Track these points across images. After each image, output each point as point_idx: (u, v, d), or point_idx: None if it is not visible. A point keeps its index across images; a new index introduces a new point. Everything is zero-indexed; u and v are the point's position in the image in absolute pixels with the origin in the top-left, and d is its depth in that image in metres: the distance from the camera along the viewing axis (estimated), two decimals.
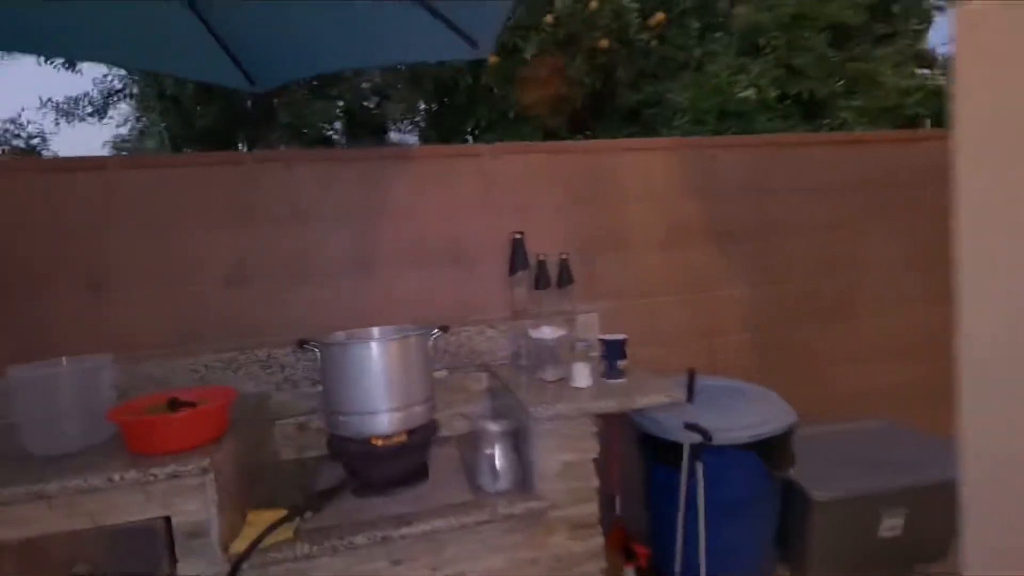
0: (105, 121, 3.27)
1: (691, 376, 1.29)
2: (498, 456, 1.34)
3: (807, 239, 2.12)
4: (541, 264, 1.79)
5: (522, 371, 1.70)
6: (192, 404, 1.29)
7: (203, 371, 1.63)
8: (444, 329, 1.46)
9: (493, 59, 3.81)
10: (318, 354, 1.36)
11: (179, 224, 1.62)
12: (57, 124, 3.19)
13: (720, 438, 1.43)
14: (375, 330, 1.57)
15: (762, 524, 1.63)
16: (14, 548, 1.06)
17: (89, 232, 1.57)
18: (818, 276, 2.13)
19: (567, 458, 1.33)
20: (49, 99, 3.18)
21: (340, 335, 1.51)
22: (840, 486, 1.69)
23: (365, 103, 4.26)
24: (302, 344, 1.37)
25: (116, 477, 1.09)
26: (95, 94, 3.25)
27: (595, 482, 1.35)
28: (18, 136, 3.16)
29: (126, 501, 1.11)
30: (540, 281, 1.79)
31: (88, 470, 1.11)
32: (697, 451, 1.38)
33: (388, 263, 1.76)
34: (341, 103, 3.96)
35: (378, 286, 1.76)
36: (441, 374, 1.74)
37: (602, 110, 4.41)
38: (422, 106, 4.30)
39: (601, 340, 1.50)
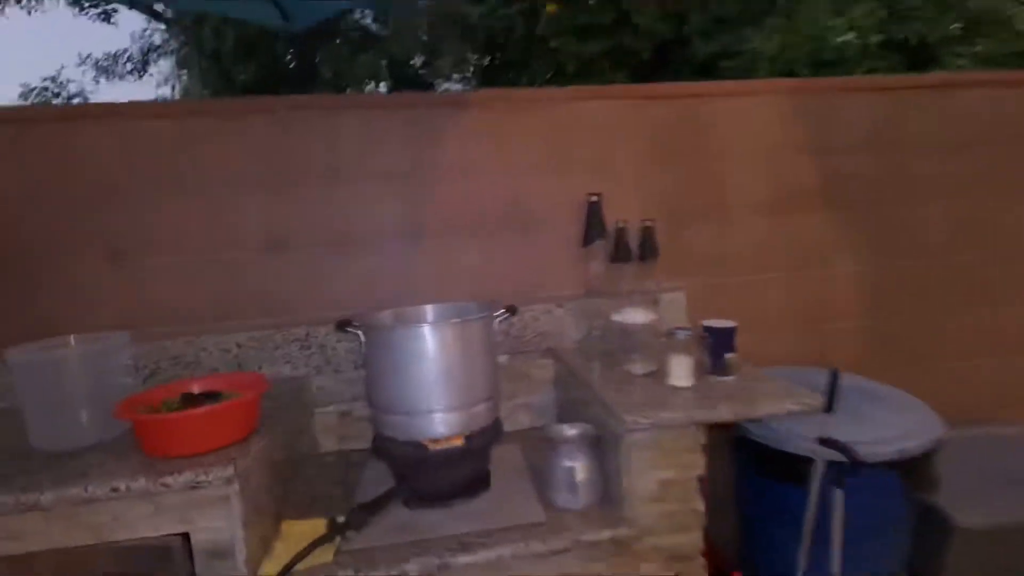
0: (145, 79, 3.11)
1: (833, 379, 1.00)
2: (578, 469, 1.09)
3: (944, 205, 1.73)
4: (620, 233, 1.50)
5: (597, 359, 1.44)
6: (217, 396, 1.09)
7: (235, 351, 1.43)
8: (511, 310, 1.20)
9: (551, 7, 3.44)
10: (361, 338, 1.12)
11: (206, 184, 1.41)
12: (96, 82, 3.06)
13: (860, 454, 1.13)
14: (428, 309, 1.33)
15: (893, 554, 1.33)
16: (3, 565, 0.89)
17: (107, 193, 1.38)
18: (955, 250, 1.75)
19: (665, 476, 1.06)
20: (88, 55, 3.04)
21: (387, 315, 1.28)
22: (988, 510, 1.36)
23: (411, 60, 3.98)
24: (343, 326, 1.14)
25: (122, 486, 0.89)
26: (134, 50, 3.09)
27: (699, 506, 1.08)
28: (58, 95, 3.04)
29: (135, 514, 0.92)
30: (619, 253, 1.50)
31: (92, 475, 0.92)
32: (835, 471, 1.09)
33: (441, 230, 1.51)
34: (386, 59, 3.70)
35: (430, 256, 1.51)
36: (501, 359, 1.49)
37: (671, 63, 3.99)
38: (472, 61, 3.99)
39: (706, 328, 1.21)
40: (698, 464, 1.07)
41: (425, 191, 1.49)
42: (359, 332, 1.12)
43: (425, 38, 3.48)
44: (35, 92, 3.08)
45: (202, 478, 0.91)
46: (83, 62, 3.01)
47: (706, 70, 3.61)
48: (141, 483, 0.90)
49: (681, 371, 1.16)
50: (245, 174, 1.42)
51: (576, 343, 1.56)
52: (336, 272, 1.48)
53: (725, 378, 1.19)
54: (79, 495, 0.89)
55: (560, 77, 3.38)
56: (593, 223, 1.49)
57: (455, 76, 3.76)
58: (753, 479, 1.35)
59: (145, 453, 0.98)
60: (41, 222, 1.36)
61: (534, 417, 1.56)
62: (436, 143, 1.49)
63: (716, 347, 1.20)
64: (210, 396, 1.09)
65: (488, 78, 3.90)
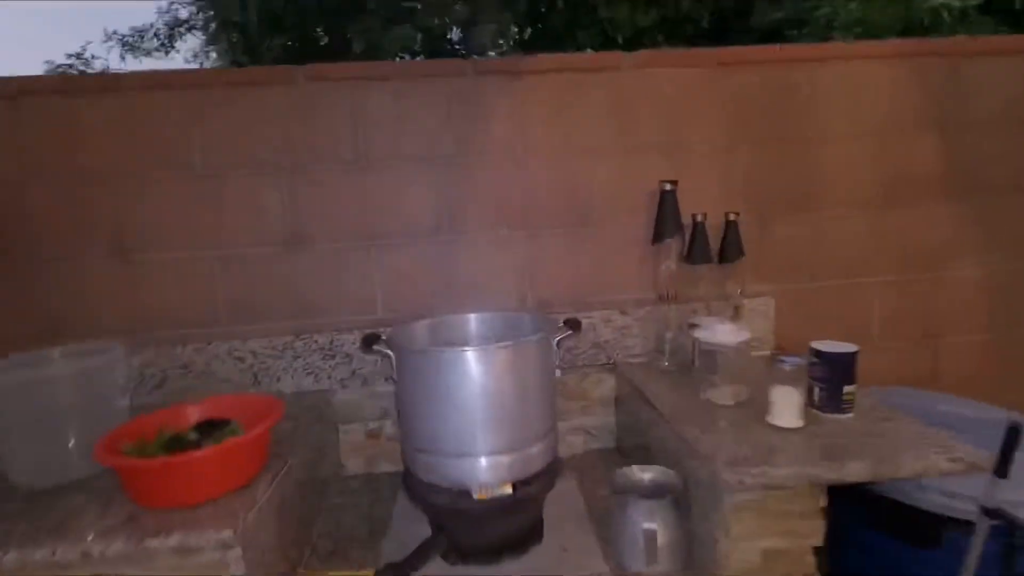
0: (172, 55, 2.97)
1: (1013, 433, 0.75)
2: (658, 531, 0.87)
3: None
4: (698, 228, 1.25)
5: (667, 378, 1.21)
6: (223, 425, 0.91)
7: (250, 360, 1.26)
8: (574, 326, 0.98)
9: None
10: (392, 360, 0.92)
11: (217, 166, 1.23)
12: (123, 59, 2.93)
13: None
14: (471, 320, 1.12)
15: None
16: None
17: (110, 177, 1.21)
18: None
19: (771, 544, 0.84)
20: (114, 32, 2.91)
21: (422, 328, 1.07)
22: None
23: (447, 33, 3.73)
24: (370, 344, 0.94)
25: (95, 551, 0.72)
26: (160, 25, 2.95)
27: None
28: (84, 72, 2.92)
29: None
30: (696, 252, 1.25)
31: (67, 529, 0.76)
32: (1003, 544, 0.84)
33: (485, 222, 1.29)
34: (420, 32, 3.47)
35: (473, 254, 1.30)
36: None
37: (731, 33, 3.64)
38: (512, 33, 3.72)
39: (817, 352, 0.96)
40: (815, 531, 0.84)
41: (468, 178, 1.27)
42: (389, 352, 0.92)
43: (461, 7, 3.23)
44: (60, 69, 2.98)
45: (194, 542, 0.73)
46: (109, 38, 2.88)
47: (772, 39, 3.25)
48: (119, 546, 0.72)
49: (788, 408, 0.92)
50: (261, 156, 1.23)
51: (643, 357, 1.33)
52: (364, 271, 1.28)
53: (842, 416, 0.95)
54: (46, 559, 0.72)
55: (611, 47, 3.08)
56: (666, 216, 1.24)
57: (494, 50, 3.49)
58: (860, 532, 1.11)
59: (132, 501, 0.81)
60: (37, 209, 1.20)
61: (590, 441, 1.35)
62: (481, 120, 1.27)
63: (831, 377, 0.95)
64: (215, 425, 0.91)
65: (528, 50, 3.61)
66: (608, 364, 1.33)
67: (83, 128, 1.19)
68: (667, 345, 1.28)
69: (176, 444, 0.83)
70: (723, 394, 1.04)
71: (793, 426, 0.92)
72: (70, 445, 0.90)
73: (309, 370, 1.27)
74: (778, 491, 0.82)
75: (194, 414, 0.93)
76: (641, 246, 1.31)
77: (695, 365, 1.16)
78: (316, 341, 1.26)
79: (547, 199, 1.30)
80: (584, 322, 1.28)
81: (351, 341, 1.27)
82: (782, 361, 0.94)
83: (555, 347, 0.95)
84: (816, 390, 0.96)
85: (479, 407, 0.86)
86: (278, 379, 1.27)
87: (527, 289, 1.31)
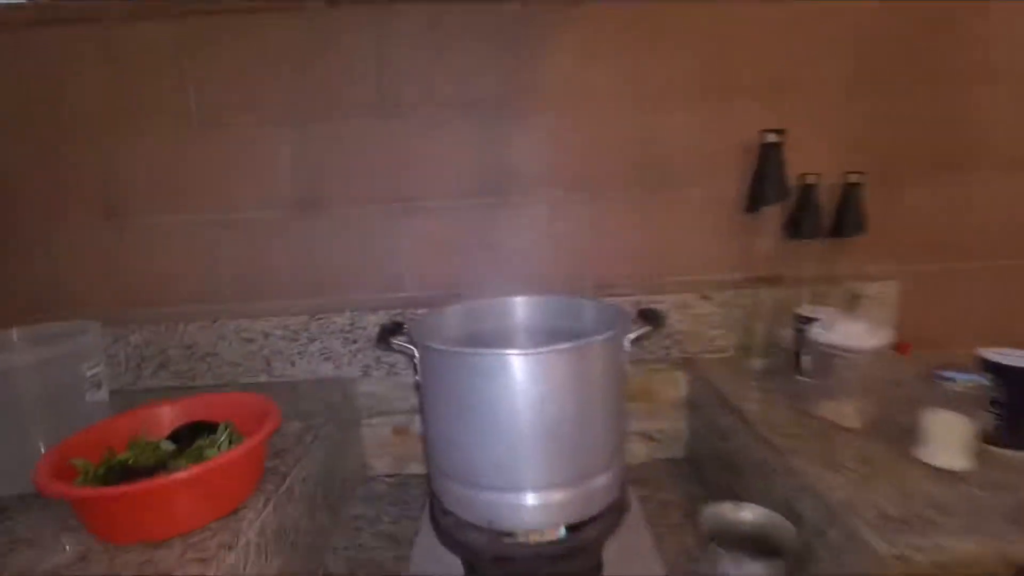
0: None
1: None
2: None
3: None
4: (806, 192, 0.98)
5: (758, 381, 0.97)
6: (204, 431, 0.73)
7: (261, 341, 1.09)
8: (653, 320, 0.75)
9: None
10: (415, 357, 0.72)
11: (218, 114, 1.03)
12: None
13: None
14: (517, 304, 0.90)
15: None
16: None
17: (97, 129, 1.03)
18: None
19: None
20: None
21: (455, 314, 0.86)
22: None
23: None
24: (387, 337, 0.73)
25: None
26: None
27: None
28: (60, 1, 2.75)
29: None
30: (804, 223, 0.99)
31: (6, 566, 0.60)
32: None
33: (536, 182, 1.05)
34: None
35: (518, 220, 1.07)
36: None
37: None
38: None
39: (991, 364, 0.70)
40: None
41: (517, 127, 1.03)
42: (412, 349, 0.71)
43: None
44: None
45: None
46: None
47: None
48: None
49: (953, 443, 0.67)
50: (267, 99, 1.02)
51: (726, 353, 1.08)
52: (390, 240, 1.07)
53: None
54: None
55: None
56: (767, 176, 0.97)
57: None
58: None
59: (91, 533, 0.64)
60: (11, 165, 1.04)
61: (654, 449, 1.12)
62: (535, 56, 1.02)
63: (1015, 400, 0.69)
64: (198, 431, 0.74)
65: None
66: (683, 359, 1.09)
67: (61, 68, 1.01)
68: (758, 339, 1.03)
69: (150, 459, 0.65)
70: (846, 412, 0.79)
71: (958, 468, 0.66)
72: (34, 448, 0.75)
73: (327, 354, 1.09)
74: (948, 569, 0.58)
75: (174, 415, 0.76)
76: (730, 214, 1.05)
77: (801, 368, 0.91)
78: (335, 322, 1.08)
79: (613, 154, 1.04)
80: (656, 307, 1.05)
81: (375, 323, 1.07)
82: (945, 377, 0.68)
83: (627, 348, 0.72)
84: (990, 417, 0.70)
85: (527, 429, 0.64)
86: (292, 363, 1.09)
87: (585, 265, 1.08)
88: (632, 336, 0.72)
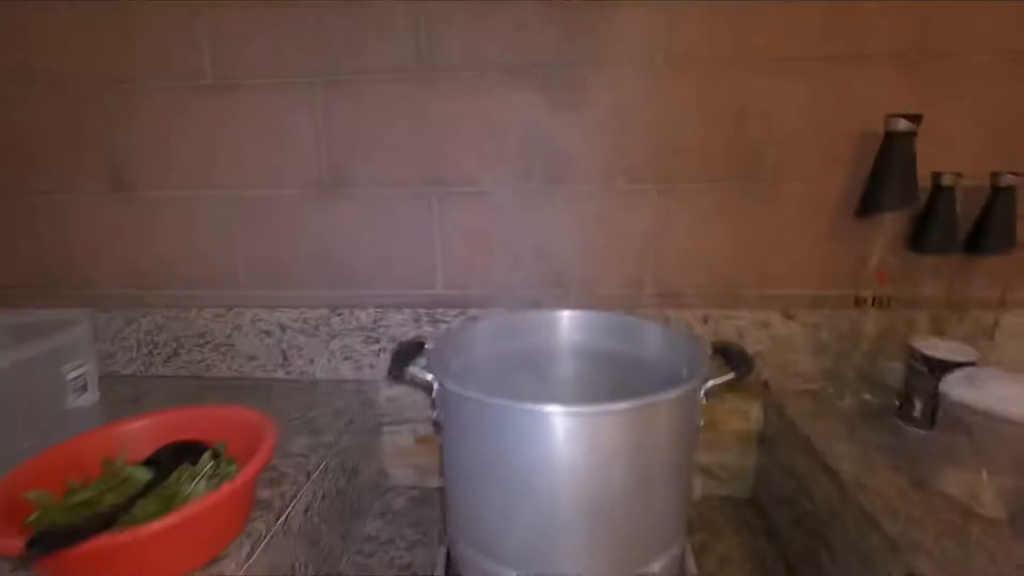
0: None
1: None
2: None
3: None
4: (942, 195, 0.77)
5: (851, 422, 0.79)
6: (197, 450, 0.63)
7: (278, 334, 0.98)
8: (739, 366, 0.58)
9: None
10: (435, 392, 0.58)
11: (233, 75, 0.90)
12: None
13: None
14: (562, 320, 0.75)
15: None
16: None
17: (103, 92, 0.93)
18: None
19: None
20: None
21: (485, 333, 0.71)
22: None
23: None
24: (403, 362, 0.60)
25: None
26: None
27: None
28: None
29: None
30: (933, 233, 0.78)
31: None
32: None
33: (595, 168, 0.88)
34: None
35: (570, 210, 0.90)
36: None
37: None
38: None
39: None
40: None
41: (576, 100, 0.86)
42: (431, 379, 0.58)
43: None
44: None
45: None
46: None
47: None
48: None
49: None
50: (286, 59, 0.88)
51: (812, 384, 0.90)
52: (422, 230, 0.93)
53: None
54: None
55: None
56: (891, 172, 0.77)
57: None
58: None
59: None
60: (11, 132, 0.95)
61: (712, 485, 0.97)
62: (603, 9, 0.83)
63: None
64: (182, 454, 0.64)
65: None
66: (757, 386, 0.91)
67: (63, 24, 0.90)
68: (854, 372, 0.85)
69: (96, 507, 0.55)
70: (985, 494, 0.61)
71: None
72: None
73: (347, 354, 0.98)
74: None
75: (155, 431, 0.66)
76: (835, 218, 0.85)
77: (912, 416, 0.73)
78: (357, 319, 0.96)
79: (693, 136, 0.85)
80: (724, 323, 0.88)
81: (399, 322, 0.95)
82: None
83: (702, 399, 0.56)
84: None
85: (568, 505, 0.50)
86: (311, 361, 0.99)
87: (647, 269, 0.91)
88: (711, 385, 0.56)
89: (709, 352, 0.60)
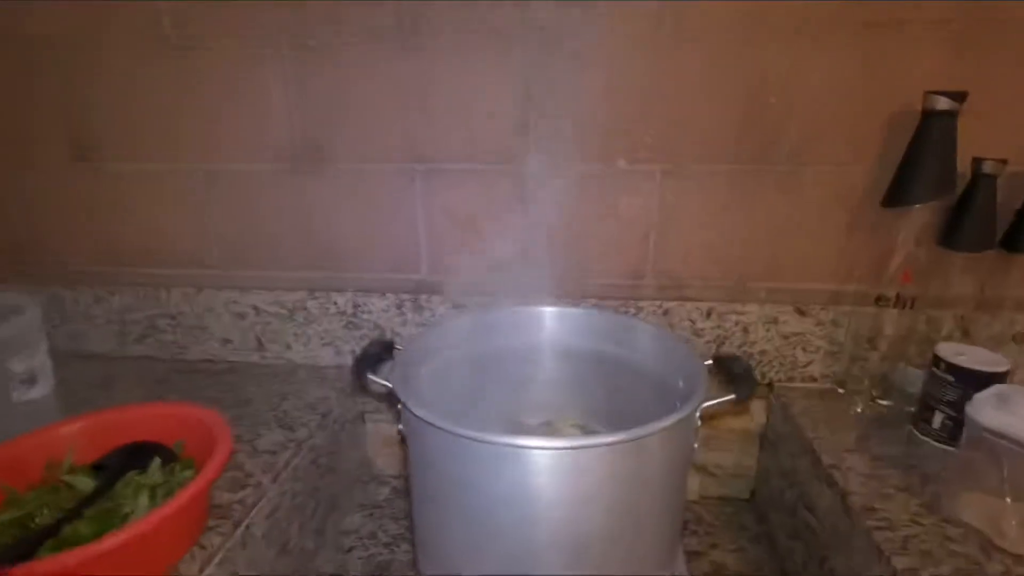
0: None
1: None
2: None
3: None
4: (980, 184, 0.69)
5: (861, 430, 0.73)
6: (149, 453, 0.59)
7: (252, 317, 0.93)
8: (740, 383, 0.51)
9: None
10: (399, 400, 0.52)
11: (199, 37, 0.81)
12: None
13: None
14: (545, 317, 0.68)
15: None
16: None
17: (59, 50, 0.84)
18: None
19: None
20: None
21: (462, 330, 0.65)
22: None
23: None
24: (365, 370, 0.54)
25: None
26: None
27: None
28: None
29: None
30: (969, 228, 0.70)
31: None
32: None
33: (594, 146, 0.80)
34: None
35: (566, 192, 0.82)
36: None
37: None
38: None
39: None
40: None
41: (573, 68, 0.77)
42: (392, 389, 0.52)
43: None
44: None
45: None
46: None
47: None
48: None
49: None
50: (256, 20, 0.80)
51: (822, 383, 0.84)
52: (405, 209, 0.86)
53: None
54: None
55: None
56: (927, 158, 0.68)
57: None
58: None
59: None
60: None
61: (710, 484, 0.92)
62: None
63: None
64: (133, 458, 0.59)
65: None
66: (765, 385, 0.85)
67: None
68: (868, 376, 0.78)
69: (29, 525, 0.50)
70: (1010, 527, 0.55)
71: None
72: None
73: (326, 339, 0.92)
74: None
75: (104, 431, 0.61)
76: (858, 207, 0.77)
77: (931, 427, 0.67)
78: (335, 303, 0.90)
79: (703, 112, 0.77)
80: (730, 319, 0.81)
81: (382, 308, 0.89)
82: None
83: (698, 422, 0.50)
84: None
85: (545, 545, 0.45)
86: (288, 346, 0.94)
87: (647, 257, 0.83)
88: (708, 405, 0.49)
89: (709, 362, 0.54)
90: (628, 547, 0.46)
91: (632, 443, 0.42)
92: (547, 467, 0.42)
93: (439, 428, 0.43)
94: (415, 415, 0.46)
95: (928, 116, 0.67)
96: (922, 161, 0.68)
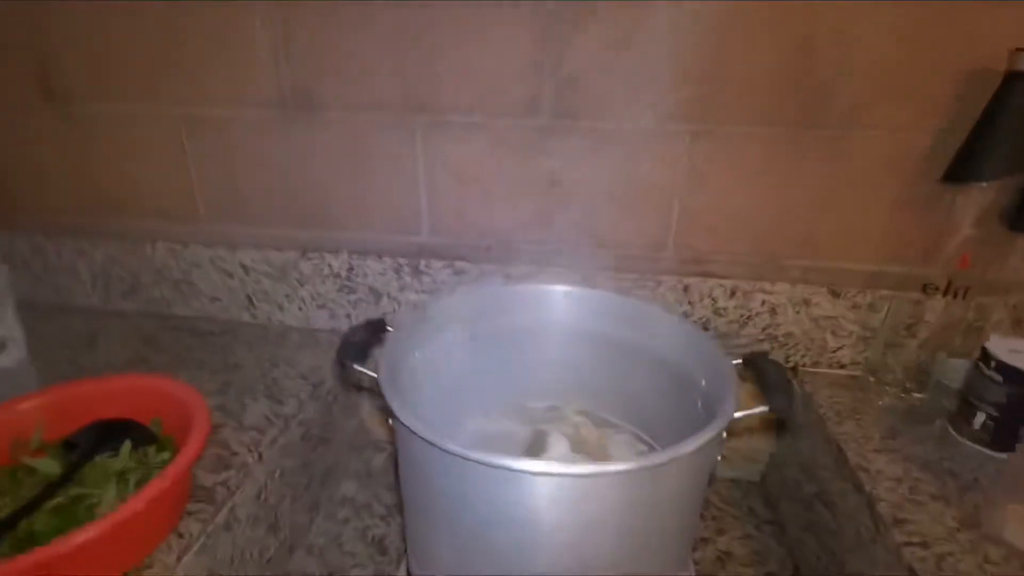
0: None
1: None
2: None
3: None
4: None
5: (891, 423, 0.67)
6: (122, 431, 0.55)
7: (240, 275, 0.87)
8: (774, 393, 0.45)
9: None
10: (385, 394, 0.47)
11: None
12: None
13: None
14: (558, 296, 0.61)
15: None
16: None
17: None
18: None
19: None
20: None
21: (457, 310, 0.59)
22: None
23: None
24: (350, 357, 0.48)
25: None
26: None
27: None
28: None
29: None
30: None
31: None
32: None
33: (613, 102, 0.70)
34: None
35: (583, 152, 0.74)
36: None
37: None
38: None
39: None
40: None
41: (596, 17, 0.66)
42: (376, 379, 0.46)
43: None
44: None
45: None
46: None
47: None
48: None
49: None
50: None
51: (851, 370, 0.78)
52: (405, 164, 0.78)
53: None
54: None
55: None
56: (1006, 126, 0.59)
57: None
58: None
59: None
60: None
61: (722, 467, 0.88)
62: None
63: None
64: (105, 438, 0.55)
65: None
66: (789, 368, 0.79)
67: None
68: (904, 366, 0.72)
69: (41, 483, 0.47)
70: None
71: None
72: None
73: (320, 302, 0.87)
74: None
75: (73, 406, 0.57)
76: (913, 179, 0.68)
77: (971, 428, 0.61)
78: (329, 265, 0.84)
79: (744, 65, 0.67)
80: (760, 298, 0.74)
81: (379, 271, 0.83)
82: None
83: (723, 440, 0.44)
84: None
85: (551, 567, 0.40)
86: (280, 307, 0.88)
87: (670, 228, 0.76)
88: (738, 416, 0.44)
89: (738, 361, 0.48)
90: (635, 568, 0.42)
91: (648, 472, 0.36)
92: (547, 494, 0.36)
93: (428, 445, 0.37)
94: (407, 429, 0.40)
95: (1012, 78, 0.57)
96: (999, 130, 0.58)
